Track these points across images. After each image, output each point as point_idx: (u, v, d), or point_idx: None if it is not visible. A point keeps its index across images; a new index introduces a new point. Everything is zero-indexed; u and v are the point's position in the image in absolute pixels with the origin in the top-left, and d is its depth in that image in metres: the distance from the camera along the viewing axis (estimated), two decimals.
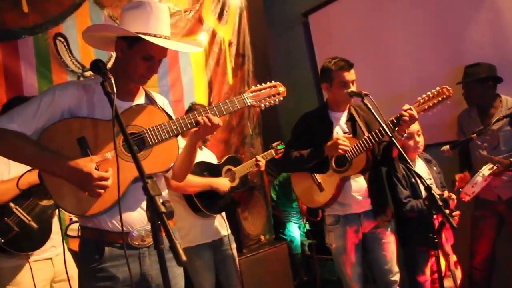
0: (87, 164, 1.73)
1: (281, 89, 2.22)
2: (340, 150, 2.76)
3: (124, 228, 1.83)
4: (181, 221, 3.22)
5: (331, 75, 2.93)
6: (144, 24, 1.87)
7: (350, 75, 2.91)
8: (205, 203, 3.22)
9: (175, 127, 1.93)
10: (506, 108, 3.33)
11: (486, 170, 3.13)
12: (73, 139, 1.80)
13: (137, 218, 1.90)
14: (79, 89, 1.90)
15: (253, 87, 2.17)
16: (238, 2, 5.02)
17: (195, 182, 3.17)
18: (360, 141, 2.80)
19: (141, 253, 1.92)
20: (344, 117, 3.06)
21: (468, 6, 3.81)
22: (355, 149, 2.81)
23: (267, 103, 2.17)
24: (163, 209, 1.22)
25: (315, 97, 5.23)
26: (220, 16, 4.79)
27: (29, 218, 2.59)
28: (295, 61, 5.47)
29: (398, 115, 2.67)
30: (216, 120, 1.99)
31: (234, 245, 3.44)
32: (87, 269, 1.88)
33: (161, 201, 1.26)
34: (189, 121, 1.97)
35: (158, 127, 1.90)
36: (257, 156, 3.67)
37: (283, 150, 3.63)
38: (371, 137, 2.77)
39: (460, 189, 3.17)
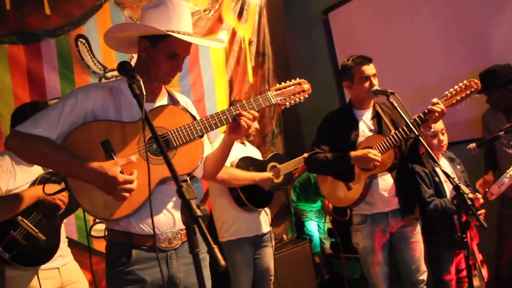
0: (112, 167, 1.72)
1: (306, 86, 2.17)
2: (371, 165, 2.74)
3: (150, 230, 1.83)
4: (226, 215, 3.29)
5: (351, 72, 2.92)
6: (166, 22, 1.86)
7: (370, 69, 2.90)
8: (249, 197, 3.26)
9: (199, 127, 1.91)
10: None
11: None
12: (97, 142, 1.80)
13: (163, 221, 1.90)
14: (104, 92, 1.90)
15: (277, 85, 2.14)
16: (258, 0, 4.99)
17: (240, 175, 3.22)
18: (387, 138, 2.78)
19: (168, 256, 1.92)
20: (369, 114, 3.03)
21: (491, 5, 3.75)
22: (382, 146, 2.78)
23: (292, 101, 2.13)
24: (198, 212, 1.22)
25: (336, 96, 5.20)
26: (240, 15, 4.77)
27: (36, 230, 2.50)
28: (316, 59, 5.44)
29: (426, 110, 2.65)
30: (252, 123, 1.99)
31: (273, 242, 3.48)
32: (114, 272, 1.88)
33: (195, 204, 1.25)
34: (213, 122, 1.94)
35: (182, 128, 1.89)
36: (305, 154, 3.64)
37: None
38: (398, 134, 2.74)
39: (487, 189, 3.12)
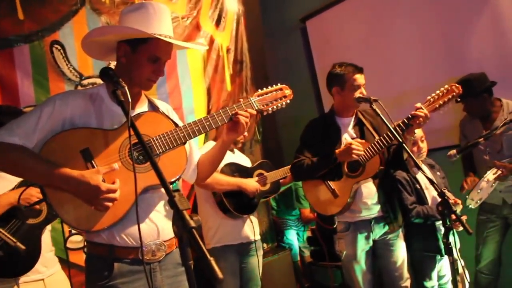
0: (94, 176, 1.64)
1: (287, 92, 2.15)
2: (354, 155, 2.72)
3: (134, 242, 1.77)
4: (210, 222, 3.24)
5: (343, 78, 2.92)
6: (147, 25, 1.80)
7: (362, 79, 2.91)
8: (233, 203, 3.21)
9: (182, 134, 1.86)
10: (507, 112, 3.34)
11: (490, 175, 3.14)
12: (76, 151, 1.72)
13: (147, 232, 1.81)
14: (84, 98, 1.83)
15: (259, 90, 2.10)
16: (236, 8, 5.00)
17: (224, 180, 3.17)
18: (372, 144, 2.78)
19: (152, 268, 1.83)
20: (351, 122, 3.04)
21: (469, 12, 3.83)
22: (367, 153, 2.78)
23: (274, 107, 2.10)
24: (192, 223, 1.16)
25: (314, 104, 5.22)
26: (218, 23, 4.76)
27: (14, 240, 2.38)
28: (293, 67, 5.45)
29: (410, 115, 2.66)
30: (251, 111, 1.99)
31: (261, 252, 3.42)
32: (95, 287, 1.79)
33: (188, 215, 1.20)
34: (197, 128, 1.89)
35: (165, 135, 1.83)
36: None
37: None
38: (382, 140, 2.75)
39: (467, 196, 3.16)
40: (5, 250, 2.37)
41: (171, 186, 1.62)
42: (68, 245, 3.31)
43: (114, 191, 1.66)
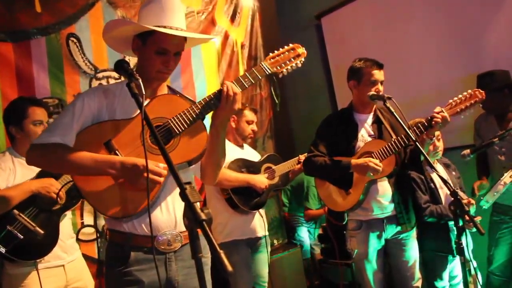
0: (138, 159, 1.73)
1: (300, 50, 2.11)
2: (371, 173, 2.72)
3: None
4: (219, 217, 3.24)
5: (361, 72, 2.91)
6: (156, 18, 1.85)
7: (380, 75, 2.90)
8: (242, 199, 3.23)
9: (198, 110, 1.87)
10: None
11: (507, 177, 3.08)
12: (100, 143, 1.80)
13: (165, 221, 1.87)
14: (100, 95, 1.89)
15: (270, 54, 2.08)
16: (251, 3, 4.98)
17: (232, 176, 3.19)
18: (388, 145, 2.76)
19: (167, 258, 1.87)
20: (369, 119, 3.01)
21: (485, 11, 3.78)
22: (382, 153, 2.77)
23: (289, 67, 2.07)
24: (203, 216, 1.17)
25: (328, 100, 5.20)
26: (233, 18, 4.75)
27: (34, 224, 2.51)
28: (308, 64, 5.36)
29: (430, 117, 2.64)
30: (237, 89, 1.89)
31: (269, 248, 3.43)
32: (112, 273, 1.85)
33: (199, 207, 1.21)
34: (212, 102, 1.89)
35: (182, 114, 1.85)
36: (300, 155, 3.60)
37: None
38: (400, 141, 2.73)
39: (481, 198, 3.13)
40: (24, 234, 2.48)
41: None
42: (80, 237, 3.37)
43: (159, 166, 1.73)
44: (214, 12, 4.54)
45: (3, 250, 2.41)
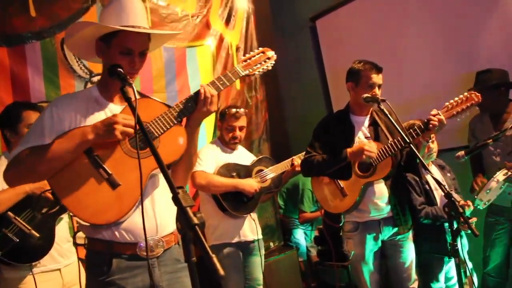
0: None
1: (270, 53, 2.14)
2: (364, 157, 2.72)
3: (132, 238, 1.80)
4: (210, 219, 3.24)
5: (359, 74, 2.91)
6: (118, 18, 1.83)
7: (378, 78, 2.90)
8: (231, 203, 3.22)
9: (176, 113, 1.88)
10: None
11: (500, 175, 3.10)
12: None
13: (146, 227, 1.76)
14: (69, 102, 1.87)
15: (242, 57, 2.11)
16: (246, 6, 4.99)
17: (219, 182, 3.18)
18: (386, 146, 2.77)
19: (151, 264, 1.84)
20: (366, 121, 3.02)
21: (480, 12, 3.80)
22: (380, 154, 2.77)
23: (260, 69, 2.10)
24: (195, 220, 1.17)
25: (323, 103, 5.21)
26: (228, 21, 4.76)
27: (29, 228, 2.49)
28: (303, 66, 5.45)
29: (426, 120, 2.65)
30: (213, 91, 1.91)
31: (263, 251, 3.42)
32: (95, 282, 1.83)
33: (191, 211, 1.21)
34: (189, 104, 1.91)
35: (160, 117, 1.85)
36: (293, 157, 3.59)
37: None
38: (396, 143, 2.74)
39: (475, 196, 3.14)
40: (20, 237, 2.47)
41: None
42: (77, 241, 3.36)
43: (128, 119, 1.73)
44: (209, 15, 4.54)
45: None
